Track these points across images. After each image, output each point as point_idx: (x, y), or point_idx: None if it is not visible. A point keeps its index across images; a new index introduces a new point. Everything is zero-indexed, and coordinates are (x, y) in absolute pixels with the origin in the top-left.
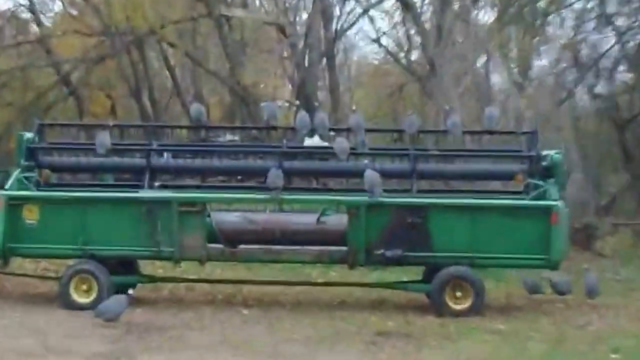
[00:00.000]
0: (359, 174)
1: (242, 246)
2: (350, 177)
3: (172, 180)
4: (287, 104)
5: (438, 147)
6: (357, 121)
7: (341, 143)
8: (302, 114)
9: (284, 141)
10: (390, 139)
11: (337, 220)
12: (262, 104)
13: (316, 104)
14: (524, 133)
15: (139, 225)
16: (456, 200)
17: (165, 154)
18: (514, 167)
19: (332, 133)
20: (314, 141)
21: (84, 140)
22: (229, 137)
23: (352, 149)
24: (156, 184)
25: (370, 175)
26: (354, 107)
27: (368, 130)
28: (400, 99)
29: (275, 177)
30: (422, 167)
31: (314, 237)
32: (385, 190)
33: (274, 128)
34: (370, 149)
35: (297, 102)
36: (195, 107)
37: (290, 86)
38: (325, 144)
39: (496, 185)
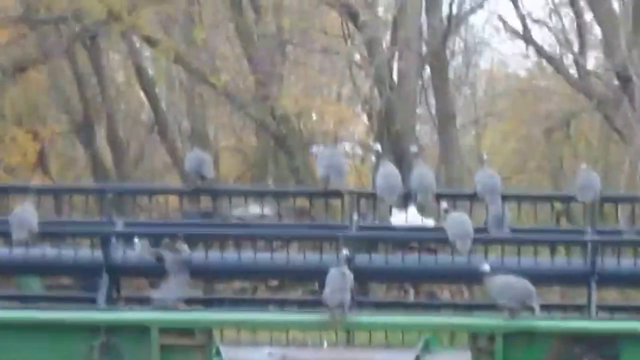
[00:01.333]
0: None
1: None
2: (473, 283)
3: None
4: (359, 150)
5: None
6: (490, 181)
7: (459, 222)
8: (387, 168)
9: (354, 218)
10: (548, 213)
11: None
12: (313, 150)
13: (413, 149)
14: None
15: None
16: None
17: (136, 241)
18: None
19: (443, 205)
20: (409, 217)
21: None
22: (253, 209)
23: (479, 231)
24: (120, 295)
25: (510, 282)
26: (484, 156)
27: (508, 198)
28: (567, 140)
29: (337, 282)
30: (608, 266)
31: None
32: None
33: (337, 194)
34: (513, 231)
35: (378, 147)
36: (193, 157)
37: (365, 118)
38: (431, 222)
39: None
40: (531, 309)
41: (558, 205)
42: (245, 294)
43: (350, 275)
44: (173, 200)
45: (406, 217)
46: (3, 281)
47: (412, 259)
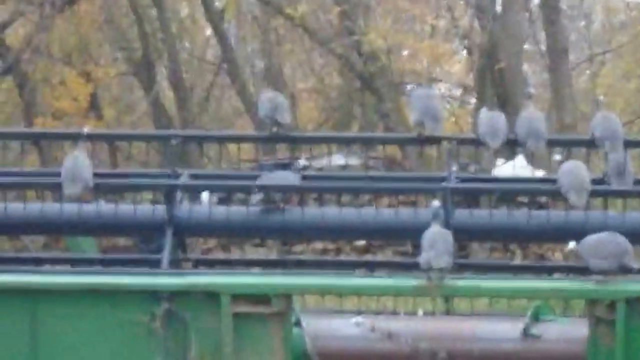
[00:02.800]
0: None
1: None
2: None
3: (215, 251)
4: (458, 92)
5: None
6: (610, 126)
7: (574, 172)
8: (491, 114)
9: (453, 169)
10: None
11: (566, 332)
12: (412, 89)
13: (529, 90)
14: None
15: (147, 344)
16: None
17: (204, 196)
18: None
19: (556, 156)
20: (517, 167)
21: (34, 166)
22: (336, 160)
23: (597, 182)
24: (188, 256)
25: (602, 239)
26: (600, 99)
27: (631, 145)
28: None
29: (436, 242)
30: None
31: None
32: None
33: (432, 141)
34: (636, 182)
35: (476, 92)
36: (267, 99)
37: (465, 53)
38: (541, 173)
39: None
40: (628, 270)
41: None
42: (328, 256)
43: (449, 235)
44: (245, 149)
45: (513, 167)
46: (53, 242)
47: (519, 215)
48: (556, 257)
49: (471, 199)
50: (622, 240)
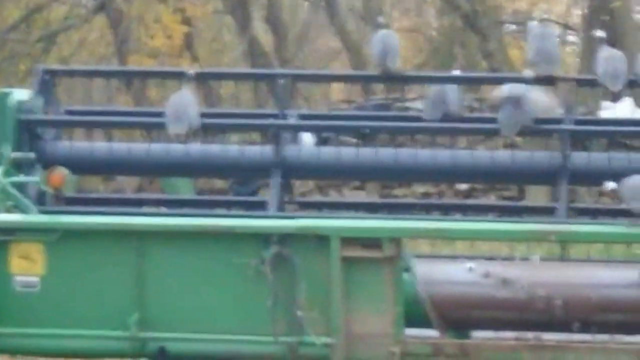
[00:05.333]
0: None
1: (481, 335)
2: None
3: (312, 194)
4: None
5: None
6: None
7: None
8: (609, 51)
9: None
10: None
11: None
12: (532, 26)
13: None
14: None
15: (256, 287)
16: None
17: (306, 137)
18: None
19: None
20: (623, 109)
21: (129, 105)
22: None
23: None
24: (295, 199)
25: None
26: None
27: None
28: None
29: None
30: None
31: (636, 314)
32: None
33: (549, 81)
34: None
35: (583, 32)
36: (379, 38)
37: None
38: None
39: None
40: None
41: None
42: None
43: None
44: (336, 90)
45: (623, 109)
46: (146, 184)
47: (635, 158)
48: None
49: (583, 142)
50: None
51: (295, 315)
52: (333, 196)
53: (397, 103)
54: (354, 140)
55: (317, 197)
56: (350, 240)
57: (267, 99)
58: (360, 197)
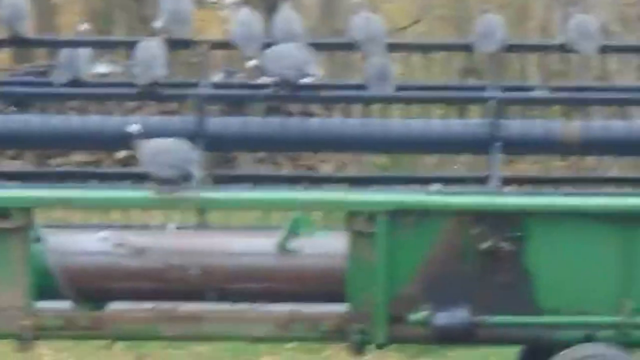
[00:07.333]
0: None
1: (113, 306)
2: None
3: None
4: None
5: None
6: (370, 27)
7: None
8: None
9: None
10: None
11: (325, 246)
12: None
13: None
14: None
15: None
16: (590, 199)
17: None
18: None
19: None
20: None
21: None
22: None
23: (358, 87)
24: None
25: (165, 146)
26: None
27: (394, 47)
28: None
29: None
30: (514, 129)
31: (273, 283)
32: (426, 180)
33: None
34: (399, 88)
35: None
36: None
37: None
38: None
39: None
40: (190, 178)
41: (461, 60)
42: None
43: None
44: None
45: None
46: None
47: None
48: (324, 167)
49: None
50: (186, 147)
51: None
52: None
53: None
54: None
55: None
56: None
57: None
58: (15, 165)
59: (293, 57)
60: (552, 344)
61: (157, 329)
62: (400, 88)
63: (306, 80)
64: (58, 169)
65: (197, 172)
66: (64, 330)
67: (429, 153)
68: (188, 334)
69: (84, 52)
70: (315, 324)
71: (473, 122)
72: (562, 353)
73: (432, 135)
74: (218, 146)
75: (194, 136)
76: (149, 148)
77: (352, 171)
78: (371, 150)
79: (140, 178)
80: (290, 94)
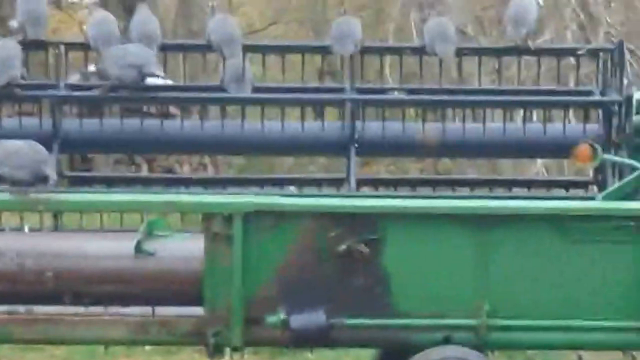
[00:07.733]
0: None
1: None
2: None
3: None
4: None
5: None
6: (227, 29)
7: None
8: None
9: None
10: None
11: (182, 248)
12: None
13: None
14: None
15: None
16: (445, 202)
17: None
18: (576, 128)
19: None
20: None
21: None
22: None
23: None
24: None
25: (17, 149)
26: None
27: (251, 49)
28: None
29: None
30: (371, 131)
31: (129, 286)
32: (282, 182)
33: None
34: (256, 90)
35: None
36: None
37: None
38: None
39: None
40: (46, 179)
41: (318, 62)
42: None
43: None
44: None
45: None
46: None
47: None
48: (184, 169)
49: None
50: (39, 148)
51: None
52: None
53: None
54: None
55: None
56: None
57: None
58: None
59: (132, 57)
60: (409, 346)
61: (11, 332)
62: (257, 90)
63: (155, 81)
64: None
65: (51, 173)
66: None
67: (286, 155)
68: (43, 337)
69: None
70: (171, 327)
71: (330, 124)
72: (417, 355)
73: (289, 137)
74: (73, 148)
75: (49, 138)
76: (2, 149)
77: (209, 173)
78: (228, 152)
79: None
80: (131, 95)
